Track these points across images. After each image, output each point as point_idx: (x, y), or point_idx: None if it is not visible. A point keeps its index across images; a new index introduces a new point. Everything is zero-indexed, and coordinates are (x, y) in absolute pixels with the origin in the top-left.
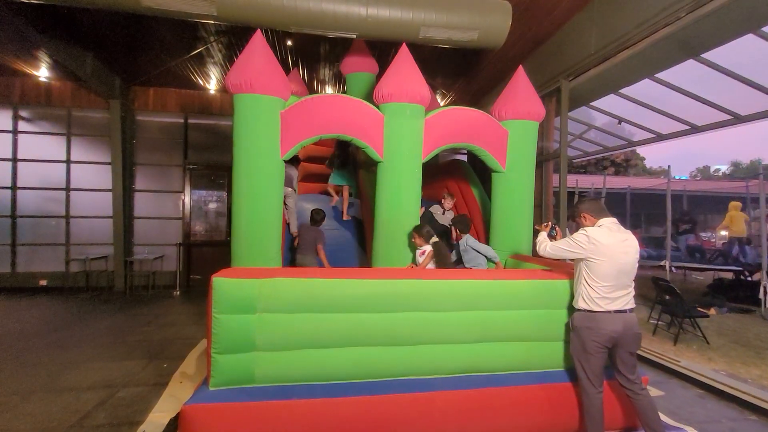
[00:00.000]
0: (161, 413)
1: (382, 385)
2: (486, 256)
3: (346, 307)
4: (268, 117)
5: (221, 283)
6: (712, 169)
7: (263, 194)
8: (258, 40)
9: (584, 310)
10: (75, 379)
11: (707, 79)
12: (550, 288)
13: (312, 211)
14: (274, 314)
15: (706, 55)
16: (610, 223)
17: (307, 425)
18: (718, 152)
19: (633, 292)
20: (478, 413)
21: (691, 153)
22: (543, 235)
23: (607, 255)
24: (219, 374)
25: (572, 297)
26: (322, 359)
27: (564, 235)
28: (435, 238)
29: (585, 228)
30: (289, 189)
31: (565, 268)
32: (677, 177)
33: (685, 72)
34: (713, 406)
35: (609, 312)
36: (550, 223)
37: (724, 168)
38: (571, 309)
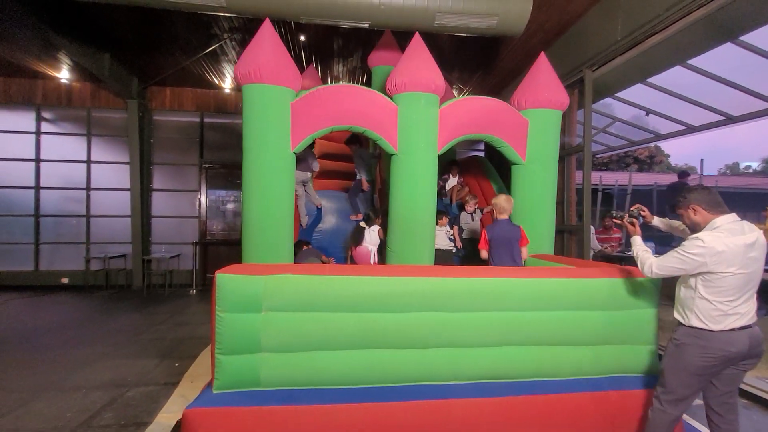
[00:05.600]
0: (169, 414)
1: (395, 391)
2: None
3: (359, 306)
4: (278, 108)
5: (225, 280)
6: (741, 166)
7: (274, 188)
8: (267, 29)
9: (699, 329)
10: (86, 378)
11: (746, 64)
12: (583, 287)
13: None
14: (281, 313)
15: (745, 38)
16: (729, 223)
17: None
18: (748, 148)
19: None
20: (500, 425)
21: (719, 149)
22: (639, 245)
23: (734, 264)
24: (223, 376)
25: (604, 297)
26: (331, 362)
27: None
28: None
29: (698, 236)
30: (308, 174)
31: (598, 266)
32: (705, 174)
33: (722, 57)
34: (761, 419)
35: (733, 330)
36: (633, 213)
37: (755, 165)
38: (604, 310)
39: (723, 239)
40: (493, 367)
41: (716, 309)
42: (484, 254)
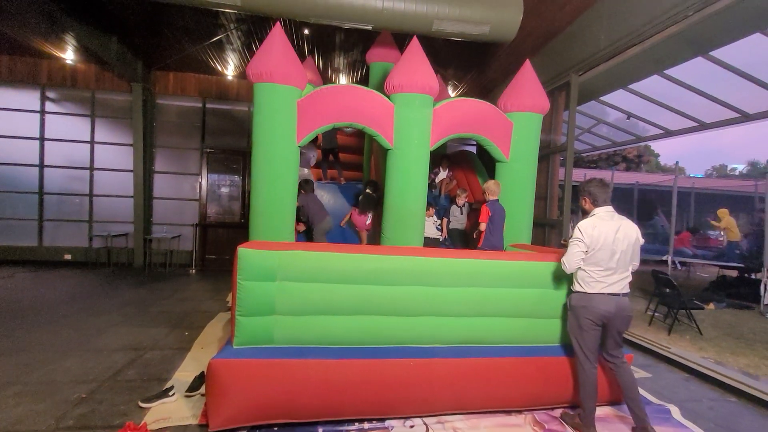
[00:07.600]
0: (186, 372)
1: (386, 351)
2: None
3: (357, 279)
4: (286, 105)
5: (246, 253)
6: (728, 168)
7: (280, 177)
8: (277, 32)
9: (580, 292)
10: (105, 342)
11: (716, 76)
12: (542, 269)
13: (301, 182)
14: (292, 283)
15: (715, 53)
16: (603, 212)
17: (319, 381)
18: (737, 151)
19: (629, 278)
20: (472, 380)
21: (709, 150)
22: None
23: (600, 243)
24: (242, 334)
25: (562, 278)
26: (334, 325)
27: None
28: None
29: (579, 224)
30: (306, 170)
31: (556, 253)
32: (692, 175)
33: (695, 69)
34: (696, 388)
35: (603, 294)
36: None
37: (741, 167)
38: (562, 289)
39: (594, 223)
40: (468, 334)
41: (590, 276)
42: (483, 226)
